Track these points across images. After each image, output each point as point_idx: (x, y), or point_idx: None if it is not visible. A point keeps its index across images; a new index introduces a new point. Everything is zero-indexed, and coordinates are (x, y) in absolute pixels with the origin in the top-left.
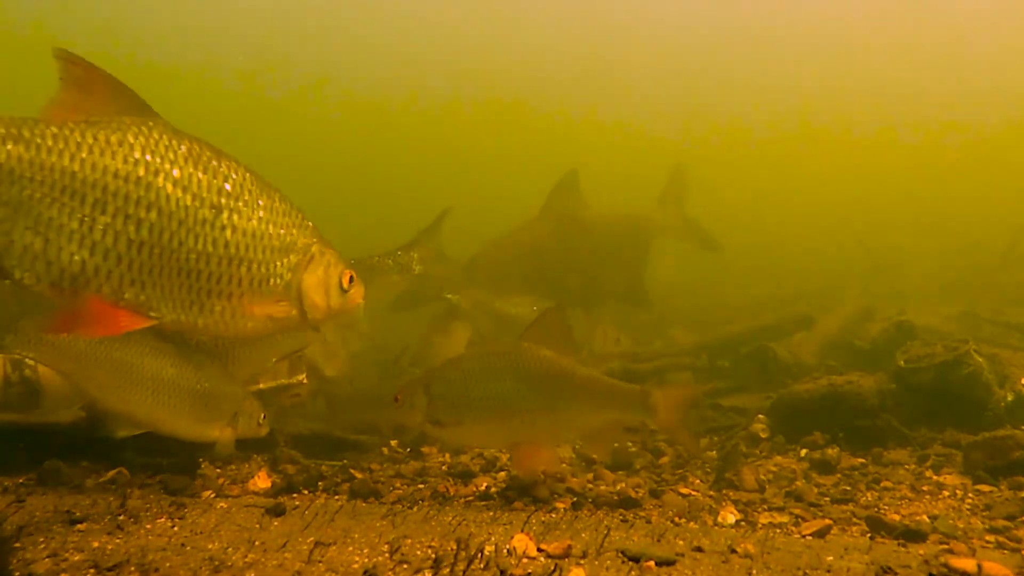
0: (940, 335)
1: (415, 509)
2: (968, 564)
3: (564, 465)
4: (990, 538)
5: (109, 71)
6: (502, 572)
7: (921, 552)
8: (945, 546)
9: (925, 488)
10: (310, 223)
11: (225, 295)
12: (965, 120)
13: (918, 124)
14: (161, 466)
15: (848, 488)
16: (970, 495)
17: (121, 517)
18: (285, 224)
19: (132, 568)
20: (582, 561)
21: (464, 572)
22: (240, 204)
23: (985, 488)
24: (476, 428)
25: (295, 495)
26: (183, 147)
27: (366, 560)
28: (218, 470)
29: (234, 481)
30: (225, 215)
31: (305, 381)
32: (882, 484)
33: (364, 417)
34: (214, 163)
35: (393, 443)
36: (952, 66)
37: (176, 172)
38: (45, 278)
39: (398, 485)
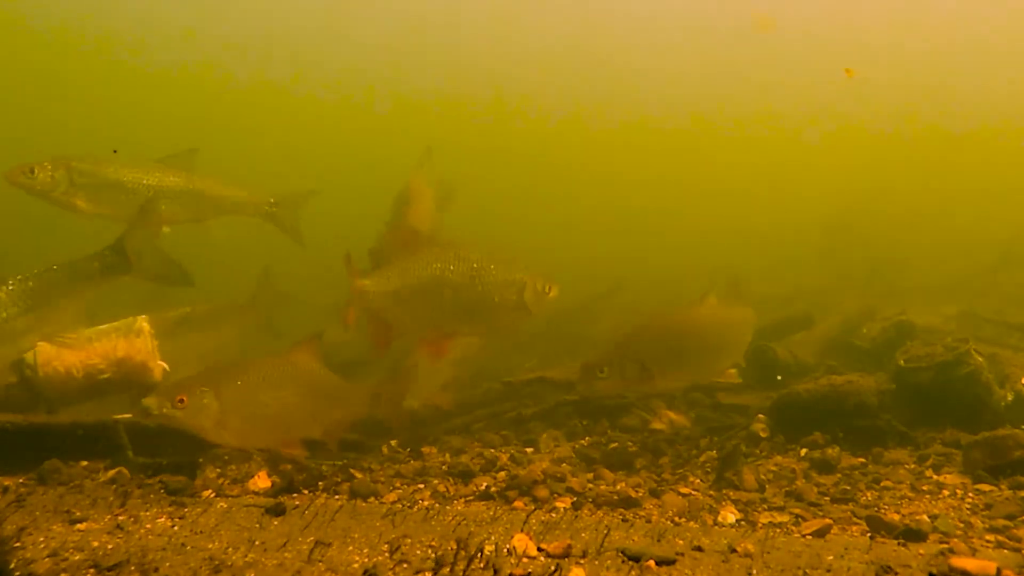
0: (940, 335)
1: (415, 509)
2: (970, 564)
3: (564, 465)
4: (990, 537)
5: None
6: (502, 572)
7: (921, 552)
8: (945, 545)
9: (925, 488)
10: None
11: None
12: (966, 119)
13: (919, 124)
14: (161, 466)
15: (848, 488)
16: (970, 494)
17: (121, 517)
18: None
19: (132, 568)
20: (582, 561)
21: (464, 572)
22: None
23: (985, 487)
24: (262, 430)
25: (295, 495)
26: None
27: (366, 560)
28: (218, 470)
29: (234, 481)
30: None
31: None
32: (882, 484)
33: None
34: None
35: (393, 443)
36: (953, 65)
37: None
38: None
39: (398, 485)
